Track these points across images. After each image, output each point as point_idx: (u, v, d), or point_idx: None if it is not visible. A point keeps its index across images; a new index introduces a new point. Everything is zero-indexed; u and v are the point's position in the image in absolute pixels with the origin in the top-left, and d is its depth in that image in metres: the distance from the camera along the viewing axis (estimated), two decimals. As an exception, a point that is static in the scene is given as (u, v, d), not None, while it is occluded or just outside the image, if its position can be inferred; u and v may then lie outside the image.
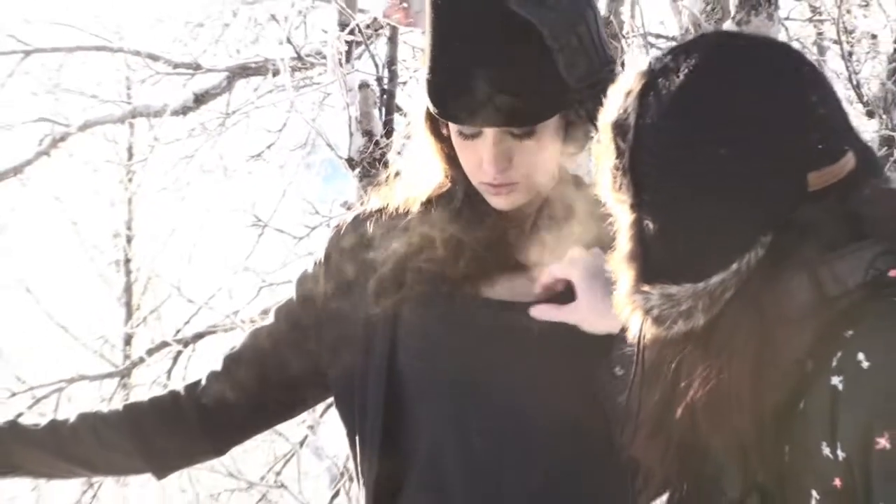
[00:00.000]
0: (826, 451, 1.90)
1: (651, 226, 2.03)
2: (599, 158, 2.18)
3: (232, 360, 3.12)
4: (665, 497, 2.27)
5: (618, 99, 2.13)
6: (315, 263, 3.12)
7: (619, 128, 2.09)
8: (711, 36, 2.50)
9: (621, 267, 2.11)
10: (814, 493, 1.95)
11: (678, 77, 2.09)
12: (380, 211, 3.04)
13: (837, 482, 1.91)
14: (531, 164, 2.78)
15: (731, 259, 1.96)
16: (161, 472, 3.32)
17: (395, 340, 2.93)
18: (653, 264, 2.04)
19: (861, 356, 1.80)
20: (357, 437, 3.00)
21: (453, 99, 2.73)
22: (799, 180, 1.97)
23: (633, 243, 2.08)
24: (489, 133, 2.72)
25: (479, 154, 2.75)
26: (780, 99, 2.06)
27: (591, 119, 2.68)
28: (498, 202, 2.87)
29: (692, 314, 1.97)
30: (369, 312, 2.93)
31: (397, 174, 3.98)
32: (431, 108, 2.84)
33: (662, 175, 2.06)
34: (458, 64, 2.74)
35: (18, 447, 3.25)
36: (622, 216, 2.10)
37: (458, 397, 2.87)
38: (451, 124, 2.81)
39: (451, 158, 2.90)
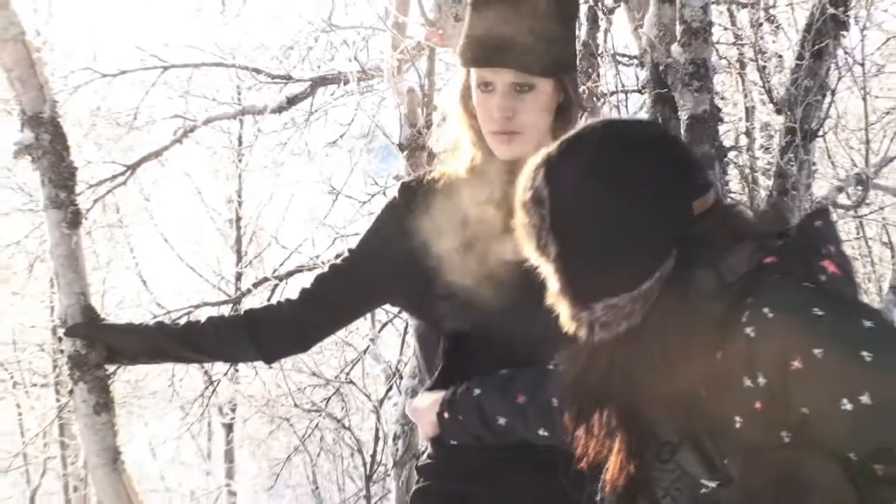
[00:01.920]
0: (748, 382, 2.37)
1: (578, 265, 2.42)
2: (521, 230, 2.53)
3: (318, 281, 3.48)
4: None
5: (528, 181, 2.50)
6: (383, 211, 3.45)
7: (536, 200, 2.46)
8: (600, 124, 2.58)
9: (558, 301, 2.52)
10: (737, 418, 2.42)
11: (581, 157, 2.46)
12: (429, 177, 3.37)
13: (758, 405, 2.38)
14: (530, 116, 3.08)
15: (653, 269, 2.40)
16: (269, 359, 3.78)
17: (448, 288, 3.20)
18: (587, 289, 2.45)
19: (766, 310, 2.27)
20: (422, 343, 3.40)
21: (481, 49, 3.07)
22: (688, 208, 2.45)
23: (560, 283, 2.49)
24: (500, 86, 3.05)
25: (491, 107, 3.08)
26: (667, 157, 2.50)
27: (577, 104, 3.23)
28: (503, 151, 3.14)
29: (633, 314, 2.41)
30: (430, 258, 3.22)
31: (435, 156, 4.87)
32: (462, 64, 3.19)
33: (585, 229, 2.42)
34: (486, 30, 3.05)
35: (164, 338, 3.72)
36: (547, 266, 2.48)
37: (488, 331, 3.17)
38: (473, 83, 3.15)
39: (476, 129, 3.20)
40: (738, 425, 2.43)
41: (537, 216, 2.48)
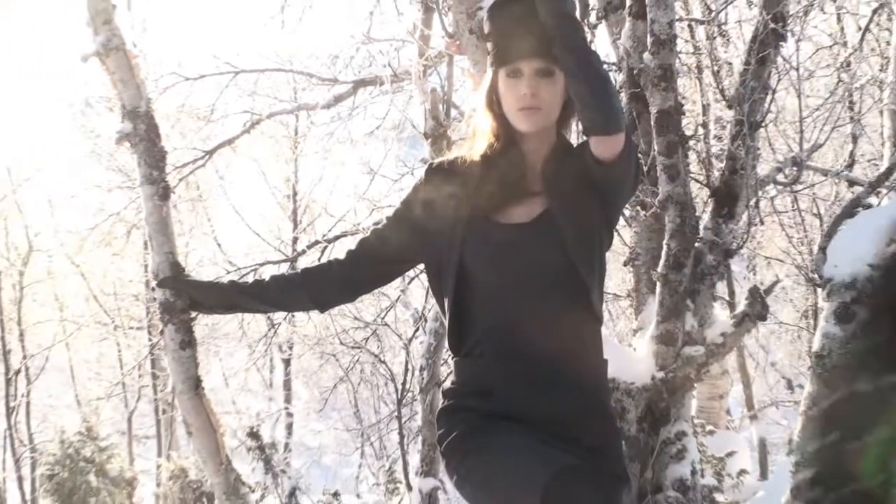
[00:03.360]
0: None
1: None
2: None
3: (361, 243, 3.48)
4: None
5: None
6: (414, 188, 3.39)
7: None
8: None
9: None
10: None
11: None
12: (451, 161, 3.33)
13: None
14: (548, 96, 3.08)
15: None
16: (322, 308, 3.71)
17: (461, 241, 3.18)
18: None
19: None
20: (441, 292, 3.32)
21: (512, 47, 3.07)
22: None
23: None
24: (526, 72, 3.06)
25: (520, 88, 3.07)
26: None
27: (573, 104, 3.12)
28: (527, 124, 3.13)
29: None
30: (446, 222, 3.24)
31: (454, 142, 4.88)
32: (497, 64, 3.16)
33: None
34: (512, 30, 3.07)
35: (236, 293, 3.78)
36: None
37: (490, 278, 3.17)
38: (501, 79, 3.15)
39: (501, 120, 3.19)
40: None
41: None
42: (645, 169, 5.76)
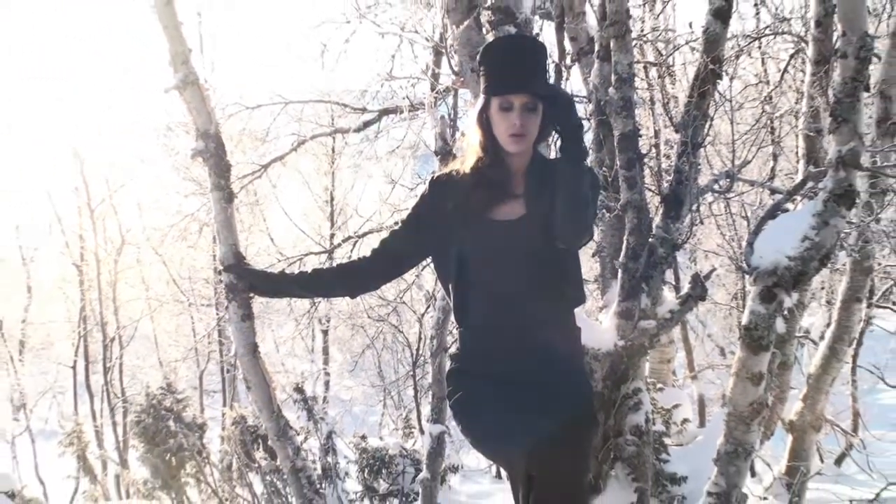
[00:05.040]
0: None
1: None
2: None
3: (382, 242, 3.50)
4: None
5: None
6: (421, 196, 3.39)
7: None
8: None
9: None
10: None
11: None
12: (448, 172, 3.33)
13: None
14: (532, 126, 3.05)
15: None
16: (353, 294, 3.79)
17: (459, 236, 3.20)
18: None
19: None
20: (445, 277, 3.35)
21: (506, 84, 3.04)
22: None
23: None
24: (516, 105, 3.03)
25: (510, 118, 3.04)
26: None
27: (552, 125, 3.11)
28: (514, 146, 3.11)
29: None
30: (447, 221, 3.24)
31: (455, 156, 4.89)
32: (490, 93, 3.11)
33: None
34: (505, 69, 3.05)
35: (285, 282, 3.90)
36: None
37: (485, 264, 3.18)
38: (493, 108, 3.11)
39: (489, 137, 3.15)
40: None
41: None
42: (609, 180, 5.82)
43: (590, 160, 6.24)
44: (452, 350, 3.47)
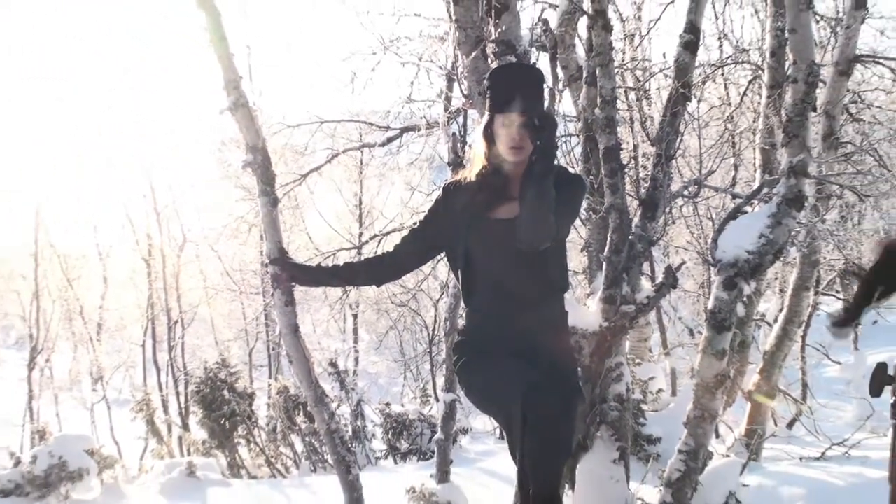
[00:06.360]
0: None
1: None
2: None
3: (403, 239, 3.50)
4: None
5: None
6: (435, 201, 3.38)
7: None
8: None
9: None
10: None
11: None
12: (457, 180, 3.30)
13: None
14: (527, 140, 3.01)
15: None
16: (378, 283, 3.77)
17: (466, 232, 3.19)
18: None
19: None
20: (455, 266, 3.34)
21: (507, 101, 3.04)
22: None
23: None
24: (516, 122, 3.04)
25: (511, 133, 3.06)
26: None
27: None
28: (513, 157, 3.11)
29: None
30: (457, 220, 3.23)
31: (463, 164, 4.90)
32: (494, 110, 3.12)
33: None
34: (508, 90, 3.05)
35: (322, 273, 3.97)
36: None
37: (486, 255, 3.18)
38: (496, 124, 3.13)
39: (492, 148, 3.16)
40: None
41: None
42: (595, 186, 5.80)
43: (579, 169, 6.26)
44: (460, 326, 3.46)
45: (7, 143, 40.05)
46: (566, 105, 7.39)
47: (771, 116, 6.66)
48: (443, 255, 3.55)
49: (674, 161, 5.56)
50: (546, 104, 3.31)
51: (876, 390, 1.65)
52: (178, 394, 19.94)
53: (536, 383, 2.87)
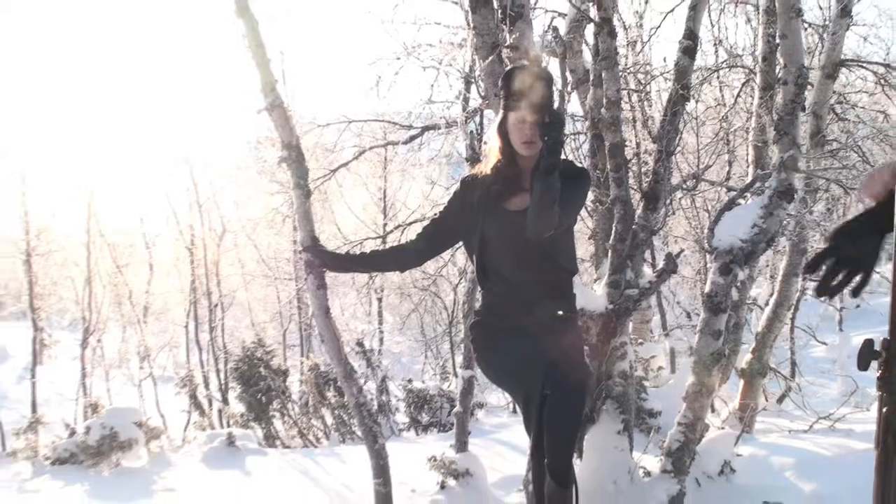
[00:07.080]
0: None
1: None
2: None
3: (424, 229, 3.46)
4: None
5: None
6: (454, 193, 3.38)
7: None
8: None
9: None
10: None
11: None
12: (474, 174, 3.29)
13: None
14: (538, 136, 2.90)
15: None
16: (402, 269, 3.80)
17: (482, 221, 3.19)
18: None
19: None
20: (471, 252, 3.31)
21: (521, 101, 3.03)
22: None
23: None
24: (529, 120, 3.02)
25: (524, 128, 3.05)
26: None
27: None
28: (526, 151, 3.10)
29: None
30: (474, 211, 3.23)
31: (480, 160, 4.88)
32: (509, 108, 3.10)
33: None
34: (523, 90, 3.00)
35: (350, 260, 4.00)
36: None
37: (500, 243, 3.17)
38: (510, 121, 3.11)
39: (506, 143, 3.15)
40: None
41: None
42: (601, 180, 5.77)
43: (587, 164, 6.25)
44: (476, 307, 3.47)
45: (64, 139, 40.29)
46: (574, 105, 7.33)
47: (763, 116, 6.62)
48: (461, 243, 3.53)
49: (673, 157, 5.54)
50: (556, 104, 3.14)
51: (863, 365, 1.64)
52: (218, 371, 20.02)
53: (555, 361, 2.89)
